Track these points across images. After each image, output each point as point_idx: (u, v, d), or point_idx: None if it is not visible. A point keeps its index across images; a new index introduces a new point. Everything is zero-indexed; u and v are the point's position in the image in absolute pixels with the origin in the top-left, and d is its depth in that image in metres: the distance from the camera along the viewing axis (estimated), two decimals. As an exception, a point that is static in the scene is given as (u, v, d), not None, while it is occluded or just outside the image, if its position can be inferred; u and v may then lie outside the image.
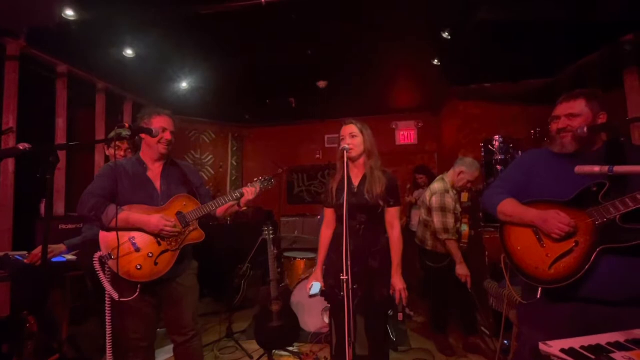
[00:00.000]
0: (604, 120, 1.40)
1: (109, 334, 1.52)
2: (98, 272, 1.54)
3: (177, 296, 1.76)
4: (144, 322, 1.71)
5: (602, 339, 1.05)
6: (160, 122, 1.74)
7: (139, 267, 1.62)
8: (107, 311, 1.54)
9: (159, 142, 1.74)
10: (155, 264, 1.65)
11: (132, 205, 1.66)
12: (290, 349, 2.85)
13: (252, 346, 2.86)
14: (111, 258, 1.57)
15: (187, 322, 1.79)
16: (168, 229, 1.64)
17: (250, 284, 3.95)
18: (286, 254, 4.00)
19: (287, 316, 2.80)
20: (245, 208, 1.91)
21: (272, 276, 2.80)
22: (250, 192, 1.83)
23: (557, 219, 1.32)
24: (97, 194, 1.62)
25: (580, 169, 1.15)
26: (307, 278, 3.22)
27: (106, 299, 1.55)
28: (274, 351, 2.78)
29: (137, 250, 1.64)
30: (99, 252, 1.57)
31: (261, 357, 2.74)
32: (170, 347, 1.88)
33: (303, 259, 3.75)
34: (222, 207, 1.83)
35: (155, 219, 1.63)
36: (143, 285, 1.64)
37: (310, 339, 3.01)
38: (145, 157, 1.79)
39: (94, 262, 1.54)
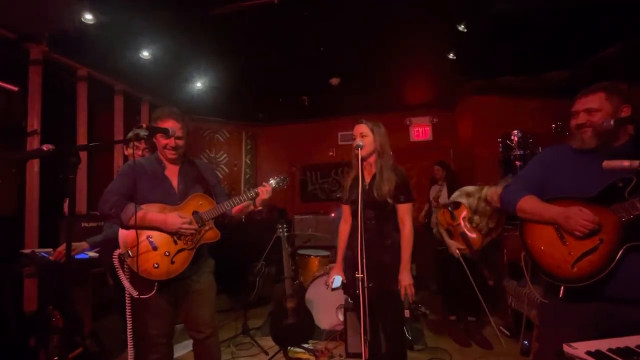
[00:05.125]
0: (628, 114, 1.33)
1: (130, 329, 1.56)
2: (117, 270, 1.58)
3: (194, 294, 1.79)
4: (162, 319, 1.74)
5: (631, 341, 1.00)
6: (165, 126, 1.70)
7: (156, 266, 1.65)
8: (127, 308, 1.58)
9: (164, 147, 1.74)
10: (172, 262, 1.67)
11: (150, 204, 1.68)
12: (305, 345, 2.86)
13: (268, 342, 2.89)
14: (129, 256, 1.60)
15: (204, 320, 1.82)
16: (185, 226, 1.66)
17: (265, 281, 3.99)
18: (300, 252, 4.01)
19: (302, 313, 2.82)
20: (260, 207, 1.91)
21: (286, 273, 2.82)
22: (264, 191, 1.83)
23: (580, 216, 1.27)
24: (117, 192, 1.66)
25: (608, 164, 1.10)
26: (321, 275, 3.24)
27: (126, 296, 1.59)
28: (289, 347, 2.80)
29: (155, 248, 1.66)
30: (117, 250, 1.62)
31: (276, 353, 2.77)
32: (188, 342, 1.93)
33: (317, 256, 3.76)
34: (237, 207, 1.84)
35: (172, 218, 1.65)
36: (160, 283, 1.66)
37: (325, 336, 3.02)
38: (162, 156, 1.82)
39: (113, 260, 1.58)
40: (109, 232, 2.13)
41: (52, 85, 2.88)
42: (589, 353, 0.96)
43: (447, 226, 2.91)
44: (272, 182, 1.90)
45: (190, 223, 1.69)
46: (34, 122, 2.71)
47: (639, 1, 2.29)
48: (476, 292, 2.60)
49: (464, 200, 2.87)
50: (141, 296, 1.59)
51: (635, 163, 1.02)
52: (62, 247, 2.12)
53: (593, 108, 1.35)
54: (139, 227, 1.61)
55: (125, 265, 1.62)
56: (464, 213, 2.83)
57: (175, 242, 1.69)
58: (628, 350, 0.96)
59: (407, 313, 2.63)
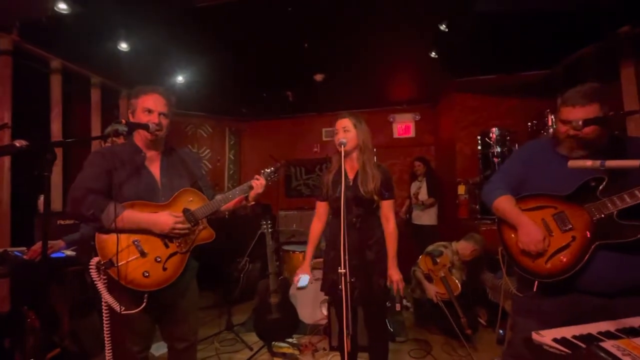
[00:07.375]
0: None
1: (109, 349, 1.39)
2: (95, 282, 1.35)
3: (180, 303, 1.62)
4: (145, 333, 1.57)
5: (593, 328, 1.07)
6: (144, 103, 1.52)
7: (147, 275, 1.43)
8: (104, 325, 1.37)
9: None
10: (164, 269, 1.47)
11: (132, 202, 1.46)
12: (290, 340, 2.89)
13: (252, 338, 2.90)
14: (113, 265, 1.37)
15: (190, 328, 1.68)
16: (179, 225, 1.48)
17: (249, 277, 3.98)
18: (284, 247, 4.03)
19: (286, 308, 2.84)
20: (253, 202, 1.78)
21: (270, 269, 2.83)
22: (259, 185, 1.70)
23: (531, 242, 1.35)
24: (91, 188, 1.41)
25: (573, 163, 1.16)
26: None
27: (103, 311, 1.37)
28: (273, 343, 2.82)
29: (143, 254, 1.44)
30: (95, 258, 1.38)
31: (261, 348, 2.78)
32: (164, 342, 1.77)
33: (301, 252, 3.77)
34: (231, 202, 1.69)
35: (164, 217, 1.46)
36: (150, 294, 1.45)
37: (309, 331, 3.05)
38: (139, 142, 1.57)
39: (90, 269, 1.36)
40: (87, 230, 2.08)
41: (24, 77, 2.76)
42: (555, 340, 1.02)
43: (427, 271, 2.97)
44: (263, 175, 1.76)
45: (183, 222, 1.51)
46: (4, 116, 2.59)
47: (610, 4, 2.40)
48: (459, 335, 2.59)
49: (444, 251, 2.99)
50: (126, 312, 1.38)
51: (597, 163, 1.07)
52: (37, 246, 2.05)
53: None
54: (125, 230, 1.41)
55: (103, 276, 1.38)
56: (446, 261, 2.95)
57: (167, 246, 1.49)
58: (590, 336, 1.03)
59: (397, 307, 2.67)
